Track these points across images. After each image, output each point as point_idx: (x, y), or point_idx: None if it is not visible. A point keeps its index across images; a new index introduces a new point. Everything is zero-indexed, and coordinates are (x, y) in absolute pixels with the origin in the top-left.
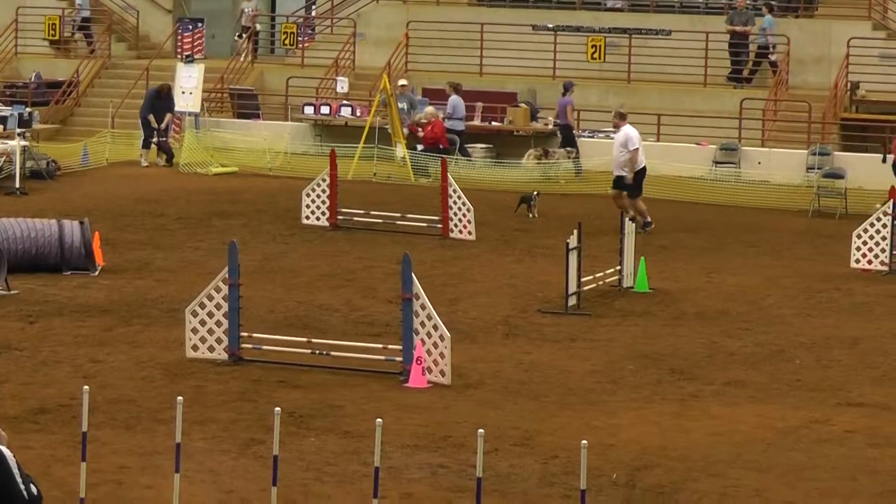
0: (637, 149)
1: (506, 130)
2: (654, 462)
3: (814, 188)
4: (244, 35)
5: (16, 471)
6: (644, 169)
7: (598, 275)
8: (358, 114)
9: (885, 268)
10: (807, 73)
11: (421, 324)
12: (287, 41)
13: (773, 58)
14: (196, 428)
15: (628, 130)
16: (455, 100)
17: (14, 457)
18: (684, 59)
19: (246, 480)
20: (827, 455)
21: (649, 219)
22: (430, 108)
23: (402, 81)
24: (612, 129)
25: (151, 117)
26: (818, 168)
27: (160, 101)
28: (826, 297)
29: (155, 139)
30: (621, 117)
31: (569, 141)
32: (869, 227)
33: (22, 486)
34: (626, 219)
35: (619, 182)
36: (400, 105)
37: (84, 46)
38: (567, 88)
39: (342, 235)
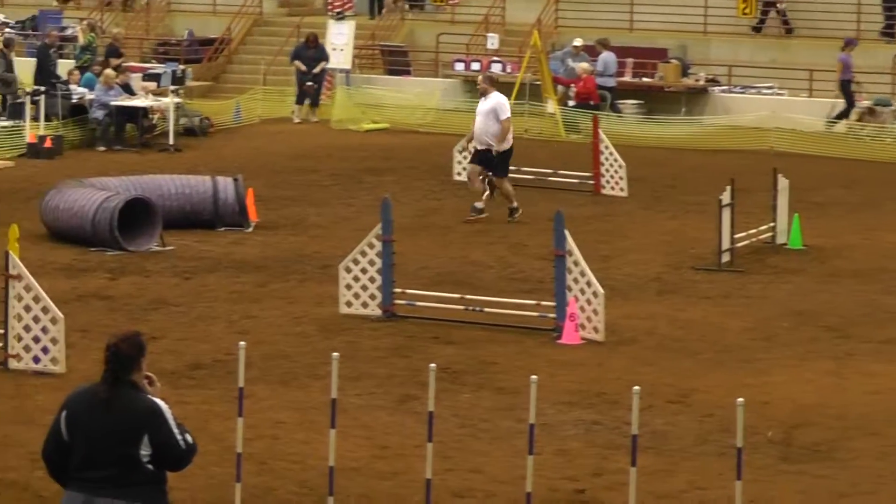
0: (508, 118)
1: (656, 87)
2: (809, 420)
3: None
4: None
5: (171, 421)
6: (512, 148)
7: (751, 231)
8: (508, 70)
9: None
10: None
11: (574, 280)
12: None
13: None
14: (350, 384)
15: (499, 97)
16: (606, 56)
17: (169, 408)
18: (837, 14)
19: (401, 436)
20: None
21: (516, 204)
22: (583, 65)
23: (577, 41)
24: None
25: (298, 62)
26: None
27: (307, 50)
28: None
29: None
30: (490, 82)
31: (848, 98)
32: None
33: (179, 436)
34: (481, 201)
35: (483, 157)
36: (572, 65)
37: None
38: (848, 44)
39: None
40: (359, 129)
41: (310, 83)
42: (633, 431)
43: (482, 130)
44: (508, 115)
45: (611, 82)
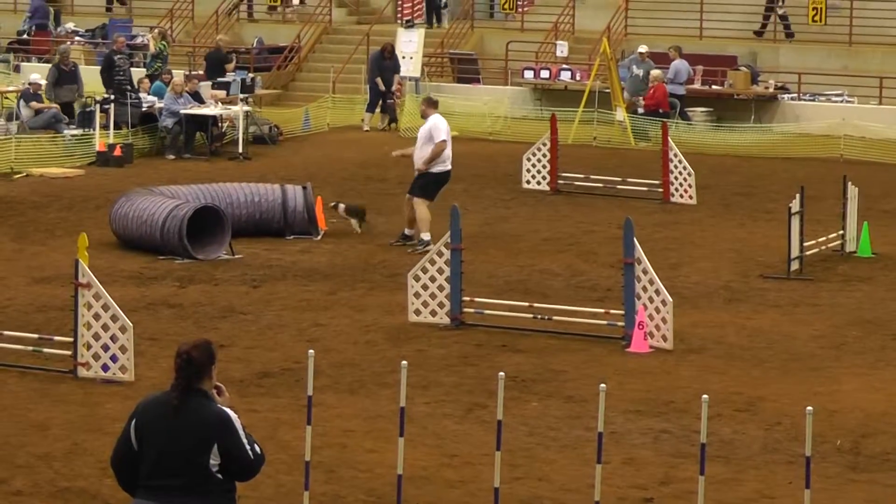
0: (444, 141)
1: (726, 94)
2: (878, 429)
3: None
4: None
5: (241, 431)
6: (447, 174)
7: (820, 239)
8: (578, 78)
9: None
10: None
11: (643, 288)
12: (507, 5)
13: None
14: (419, 392)
15: (437, 119)
16: (678, 63)
17: (238, 417)
18: None
19: (469, 445)
20: None
21: (424, 236)
22: (656, 72)
23: (642, 48)
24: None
25: (379, 80)
26: None
27: (384, 60)
28: None
29: (384, 102)
30: (429, 104)
31: None
32: None
33: (248, 446)
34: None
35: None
36: (636, 71)
37: (303, 11)
38: None
39: (562, 200)
40: None
41: (391, 101)
42: (702, 440)
43: (418, 155)
44: (444, 137)
45: (680, 90)
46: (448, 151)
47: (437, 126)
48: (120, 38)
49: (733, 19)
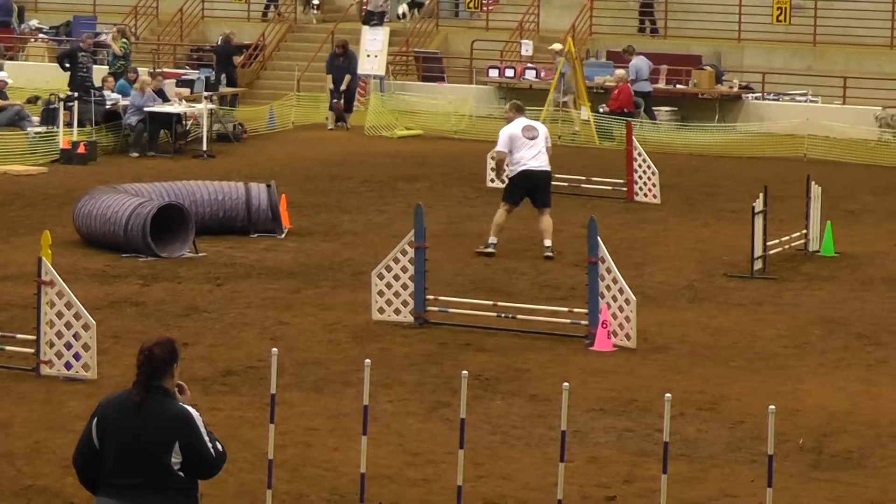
0: (499, 151)
1: (690, 94)
2: (841, 428)
3: None
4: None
5: (202, 429)
6: (521, 174)
7: (784, 238)
8: (542, 76)
9: None
10: None
11: (606, 287)
12: (472, 4)
13: None
14: (383, 391)
15: (504, 128)
16: (637, 62)
17: (200, 415)
18: (871, 21)
19: (433, 443)
20: None
21: (493, 240)
22: (619, 72)
23: (556, 46)
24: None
25: (329, 78)
26: None
27: (336, 59)
28: None
29: (331, 101)
30: (512, 109)
31: None
32: None
33: (209, 444)
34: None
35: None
36: (563, 71)
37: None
38: None
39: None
40: (392, 135)
41: (336, 100)
42: (665, 439)
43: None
44: (499, 147)
45: (647, 87)
46: (518, 153)
47: (499, 135)
48: (88, 38)
49: (698, 19)
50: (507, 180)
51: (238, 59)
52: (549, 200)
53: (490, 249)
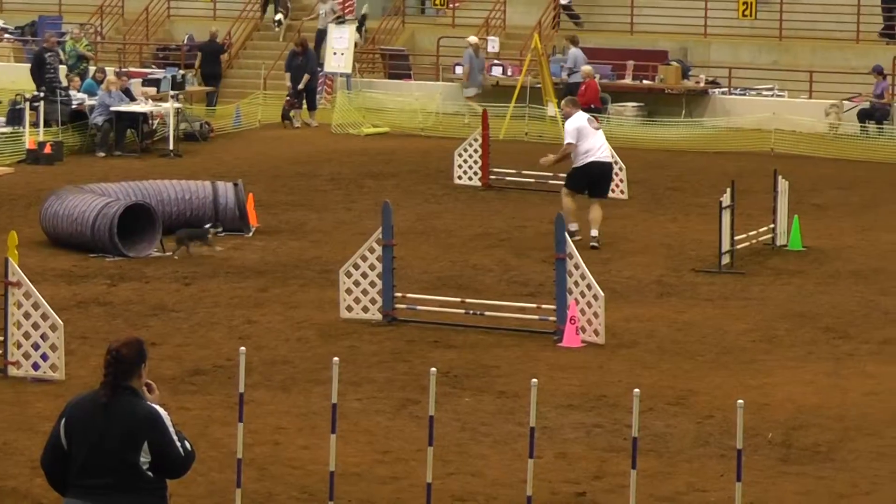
0: (570, 144)
1: (657, 89)
2: (809, 422)
3: None
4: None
5: (171, 428)
6: (589, 165)
7: (751, 233)
8: (509, 73)
9: None
10: None
11: (575, 283)
12: (438, 1)
13: None
14: (351, 388)
15: (568, 121)
16: (575, 52)
17: (168, 415)
18: (836, 16)
19: (401, 440)
20: None
21: (574, 226)
22: (586, 68)
23: (472, 38)
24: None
25: (287, 76)
26: None
27: (295, 58)
28: None
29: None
30: (569, 104)
31: None
32: None
33: (178, 443)
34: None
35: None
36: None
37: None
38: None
39: (494, 195)
40: (359, 133)
41: (289, 97)
42: (634, 434)
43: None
44: (568, 140)
45: (578, 78)
46: (587, 144)
47: (566, 128)
48: (51, 37)
49: (664, 14)
50: (570, 171)
51: (224, 57)
52: (608, 192)
53: (576, 237)
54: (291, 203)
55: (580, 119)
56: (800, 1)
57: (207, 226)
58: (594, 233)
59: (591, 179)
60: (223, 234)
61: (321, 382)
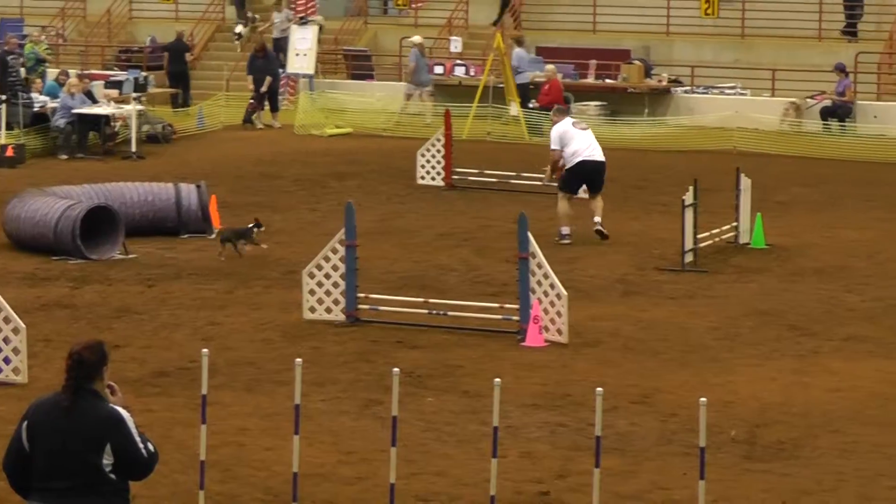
0: (554, 150)
1: (620, 88)
2: (773, 419)
3: None
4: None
5: (133, 430)
6: (580, 164)
7: (714, 231)
8: (472, 73)
9: None
10: None
11: (538, 283)
12: (400, 1)
13: None
14: (315, 389)
15: (553, 129)
16: (519, 52)
17: (131, 416)
18: (798, 14)
19: (365, 441)
20: None
21: (566, 230)
22: (549, 67)
23: (416, 38)
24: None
25: (250, 78)
26: None
27: (256, 60)
28: None
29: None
30: (556, 113)
31: None
32: None
33: (140, 445)
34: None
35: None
36: (415, 63)
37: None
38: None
39: (457, 195)
40: (322, 134)
41: (252, 101)
42: (597, 433)
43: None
44: (553, 147)
45: (526, 79)
46: (573, 146)
47: (550, 135)
48: (12, 39)
49: (627, 13)
50: (563, 174)
51: (190, 57)
52: (602, 187)
53: (567, 241)
54: (255, 204)
55: (564, 124)
56: None
57: (250, 225)
58: (597, 219)
59: (585, 178)
60: (187, 236)
61: (285, 383)
